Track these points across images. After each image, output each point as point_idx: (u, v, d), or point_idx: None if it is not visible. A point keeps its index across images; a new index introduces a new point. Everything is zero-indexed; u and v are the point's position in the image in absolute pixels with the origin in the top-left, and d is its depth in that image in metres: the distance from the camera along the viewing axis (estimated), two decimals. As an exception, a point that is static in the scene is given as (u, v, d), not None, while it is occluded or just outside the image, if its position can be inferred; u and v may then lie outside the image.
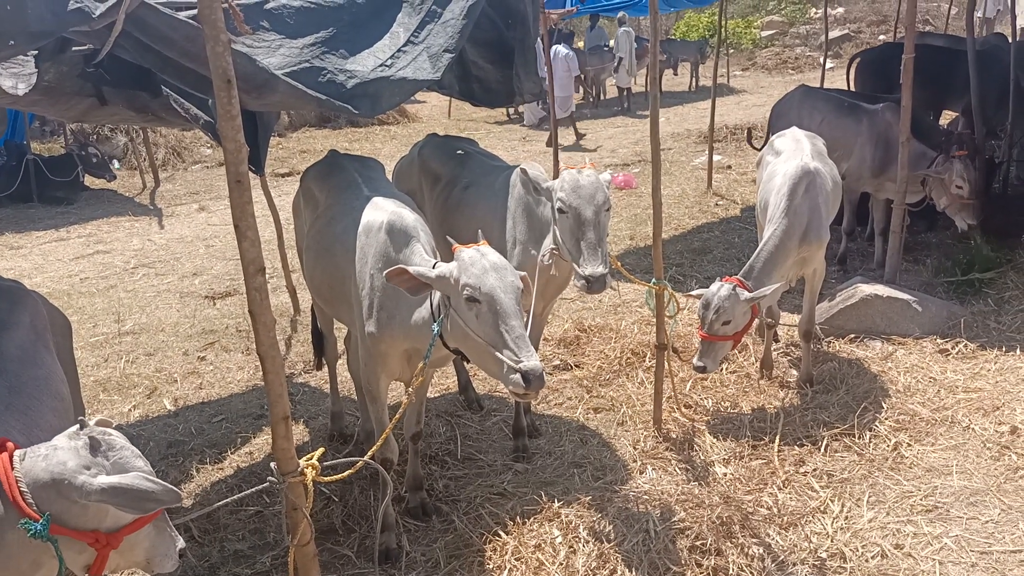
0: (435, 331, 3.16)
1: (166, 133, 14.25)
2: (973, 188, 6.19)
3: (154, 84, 4.27)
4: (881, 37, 21.72)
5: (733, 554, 3.54)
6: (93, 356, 6.27)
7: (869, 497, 3.96)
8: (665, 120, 16.35)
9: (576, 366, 5.58)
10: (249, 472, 4.53)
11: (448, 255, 3.20)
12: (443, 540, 3.81)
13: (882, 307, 5.68)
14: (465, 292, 3.00)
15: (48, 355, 2.93)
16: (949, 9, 16.43)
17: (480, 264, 3.02)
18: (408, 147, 5.33)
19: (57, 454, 1.93)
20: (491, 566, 3.59)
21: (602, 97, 20.78)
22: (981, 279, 6.24)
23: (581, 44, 22.41)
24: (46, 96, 4.19)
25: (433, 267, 3.17)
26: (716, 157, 11.14)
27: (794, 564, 3.52)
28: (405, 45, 3.98)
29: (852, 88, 9.31)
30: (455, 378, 5.35)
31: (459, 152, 4.86)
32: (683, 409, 4.85)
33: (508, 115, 18.31)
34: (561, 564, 3.52)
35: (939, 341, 5.49)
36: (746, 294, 4.42)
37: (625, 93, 19.23)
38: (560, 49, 15.36)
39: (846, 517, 3.82)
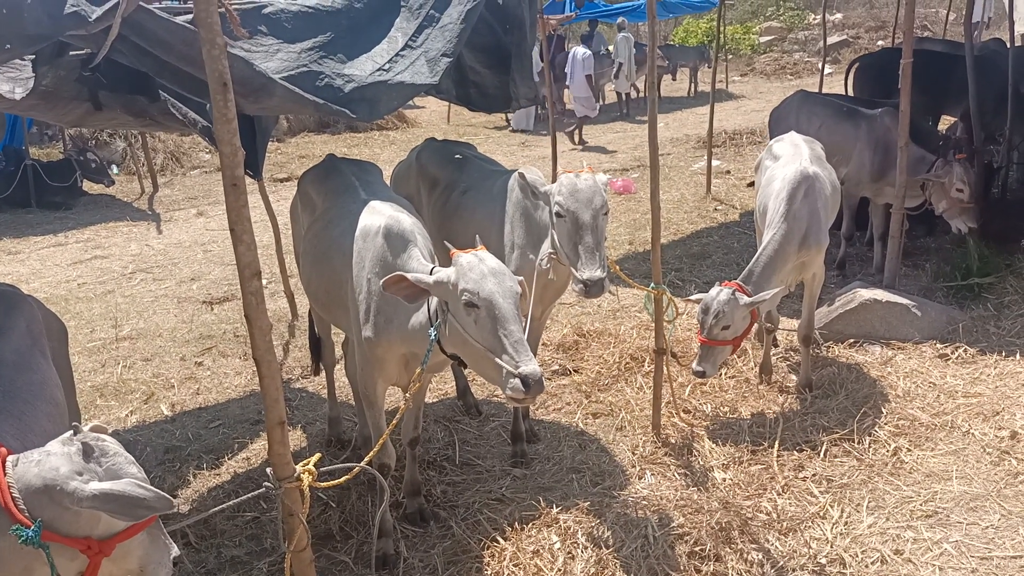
0: (432, 336, 3.15)
1: (165, 138, 14.24)
2: (973, 192, 6.19)
3: (152, 89, 4.27)
4: (879, 43, 21.79)
5: (732, 560, 3.53)
6: (90, 361, 6.25)
7: (869, 502, 3.95)
8: (664, 125, 16.36)
9: (575, 371, 5.57)
10: (246, 478, 4.51)
11: (446, 260, 3.19)
12: (441, 546, 3.78)
13: (881, 312, 5.67)
14: (463, 297, 2.99)
15: (43, 360, 2.92)
16: (947, 15, 16.48)
17: (478, 269, 3.02)
18: (407, 152, 5.33)
19: (50, 460, 1.91)
20: (489, 572, 3.57)
21: (601, 102, 20.79)
22: (980, 284, 6.23)
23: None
24: (44, 100, 4.18)
25: (431, 272, 3.15)
26: (715, 162, 11.14)
27: (793, 570, 3.50)
28: (403, 50, 3.98)
29: (851, 93, 9.32)
30: (453, 383, 5.33)
31: (457, 156, 4.85)
32: (682, 414, 4.83)
33: (507, 119, 18.32)
34: (559, 570, 3.50)
35: (939, 346, 5.48)
36: (745, 299, 4.40)
37: (624, 98, 19.25)
38: (578, 50, 15.38)
39: (846, 523, 3.81)
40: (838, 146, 6.56)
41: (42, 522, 1.87)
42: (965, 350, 5.38)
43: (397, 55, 3.93)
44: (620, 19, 18.58)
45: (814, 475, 4.20)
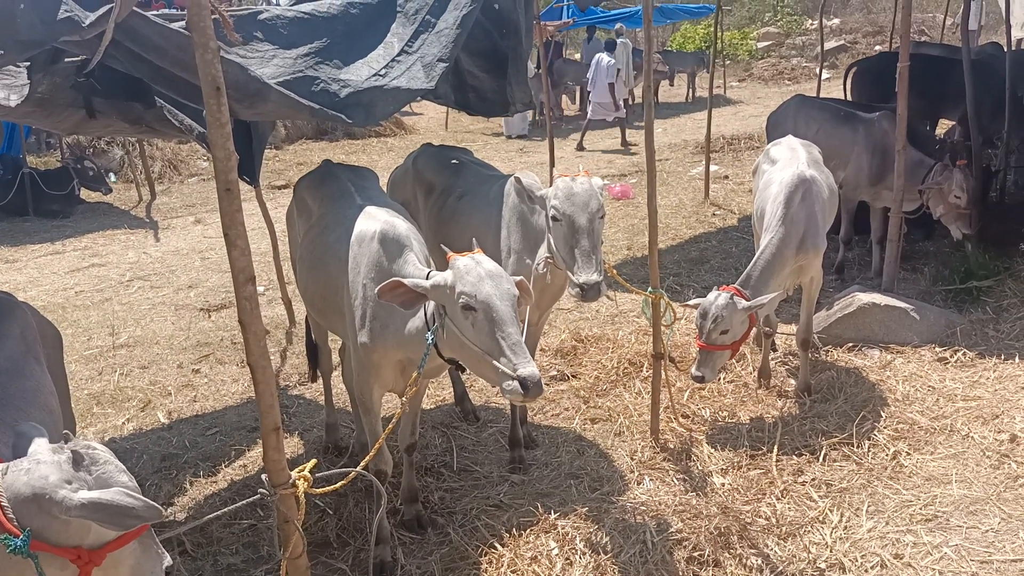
0: (429, 340, 3.13)
1: (163, 146, 14.24)
2: (971, 197, 6.18)
3: (148, 95, 4.26)
4: (877, 47, 21.78)
5: (731, 565, 3.51)
6: (87, 369, 6.23)
7: (868, 507, 3.93)
8: (662, 131, 16.38)
9: (573, 376, 5.55)
10: (243, 485, 4.49)
11: (442, 265, 3.18)
12: (438, 553, 3.76)
13: (880, 316, 5.66)
14: (461, 300, 2.98)
15: (38, 367, 2.90)
16: (944, 19, 16.51)
17: (475, 272, 3.01)
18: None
19: (39, 468, 1.89)
20: (487, 579, 3.55)
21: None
22: (979, 287, 6.22)
23: (578, 56, 22.48)
24: (39, 108, 4.18)
25: (427, 276, 3.14)
26: (713, 167, 11.15)
27: (793, 575, 3.48)
28: (399, 55, 3.98)
29: (849, 98, 9.33)
30: (451, 389, 5.31)
31: (453, 162, 4.85)
32: (681, 419, 4.81)
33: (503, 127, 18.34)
34: (557, 576, 3.48)
35: (937, 349, 5.46)
36: (744, 303, 4.39)
37: (623, 104, 19.24)
38: (603, 57, 15.44)
39: (845, 527, 3.79)
40: (836, 150, 6.55)
41: (31, 531, 1.85)
42: (964, 354, 5.36)
43: (393, 60, 3.93)
44: (618, 25, 18.63)
45: (813, 479, 4.18)
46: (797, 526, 3.79)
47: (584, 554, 3.60)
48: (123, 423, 5.36)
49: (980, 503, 3.90)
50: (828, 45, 21.79)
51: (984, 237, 6.62)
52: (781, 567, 3.51)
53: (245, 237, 2.37)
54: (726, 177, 11.64)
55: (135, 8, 2.92)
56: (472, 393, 5.28)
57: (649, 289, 4.38)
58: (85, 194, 12.49)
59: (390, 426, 3.06)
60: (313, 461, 2.68)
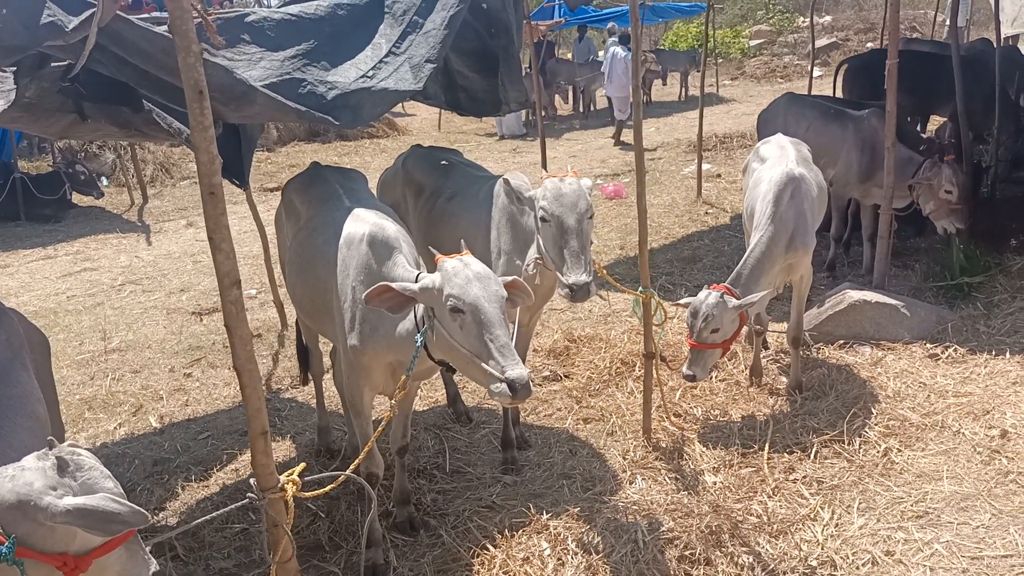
0: (419, 343, 3.13)
1: (154, 150, 14.22)
2: (961, 193, 6.20)
3: (135, 99, 4.25)
4: (868, 45, 21.88)
5: (722, 563, 3.51)
6: (79, 374, 6.21)
7: (859, 504, 3.93)
8: (655, 130, 16.39)
9: (565, 376, 5.55)
10: (235, 489, 4.47)
11: (432, 266, 3.18)
12: (431, 555, 3.76)
13: (871, 312, 5.67)
14: (449, 303, 2.97)
15: (24, 373, 2.89)
16: (935, 16, 16.56)
17: (463, 274, 3.00)
18: (397, 160, 5.31)
19: (24, 475, 1.88)
20: (479, 580, 3.55)
21: (592, 108, 20.83)
22: (970, 283, 6.23)
23: (570, 55, 22.51)
24: (27, 113, 4.16)
25: (416, 279, 3.14)
26: (705, 166, 11.16)
27: (784, 573, 3.48)
28: (387, 56, 3.97)
29: (841, 95, 9.34)
30: (443, 391, 5.31)
31: (443, 163, 4.84)
32: (672, 418, 4.82)
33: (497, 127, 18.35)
34: (549, 577, 3.48)
35: (928, 346, 5.47)
36: (734, 301, 4.39)
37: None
38: (619, 51, 15.41)
39: (836, 524, 3.79)
40: (825, 148, 6.56)
41: (16, 538, 1.84)
42: (955, 350, 5.38)
43: (381, 62, 3.92)
44: (610, 24, 18.64)
45: (804, 477, 4.19)
46: (788, 524, 3.79)
47: (576, 554, 3.60)
48: (115, 428, 5.34)
49: (971, 499, 3.90)
50: (820, 43, 21.87)
51: (975, 233, 6.64)
52: (772, 565, 3.51)
53: (230, 241, 2.37)
54: (719, 175, 11.65)
55: (118, 12, 2.91)
56: (464, 394, 5.28)
57: (640, 288, 4.38)
58: (77, 198, 12.46)
59: (380, 428, 3.06)
60: (302, 465, 2.67)
